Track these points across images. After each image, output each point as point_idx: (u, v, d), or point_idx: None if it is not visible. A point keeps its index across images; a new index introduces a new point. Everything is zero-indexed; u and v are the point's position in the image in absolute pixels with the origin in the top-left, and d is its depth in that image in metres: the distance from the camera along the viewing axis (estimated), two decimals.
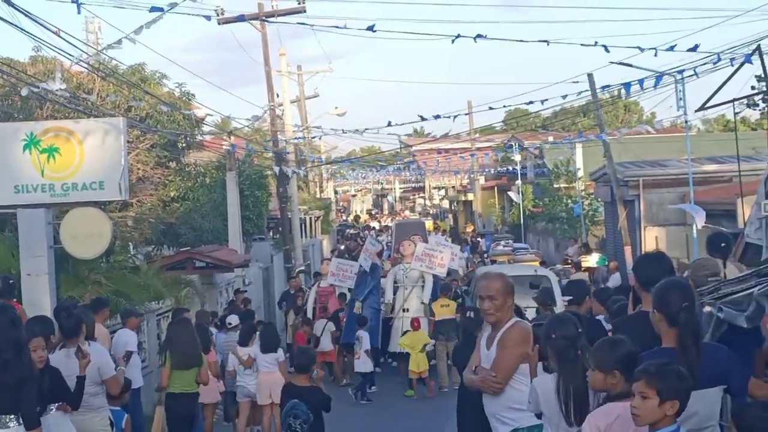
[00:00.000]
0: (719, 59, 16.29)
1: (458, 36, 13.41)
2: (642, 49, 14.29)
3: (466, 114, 25.45)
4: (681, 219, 24.53)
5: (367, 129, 21.25)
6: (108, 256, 14.31)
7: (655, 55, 14.46)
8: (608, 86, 21.92)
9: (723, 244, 9.27)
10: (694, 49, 14.86)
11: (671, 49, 15.07)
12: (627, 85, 18.50)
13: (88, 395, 7.82)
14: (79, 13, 10.87)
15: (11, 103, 19.06)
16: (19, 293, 11.03)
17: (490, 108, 19.92)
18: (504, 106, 20.46)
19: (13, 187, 11.40)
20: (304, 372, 9.42)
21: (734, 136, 20.03)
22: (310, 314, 20.14)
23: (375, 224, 66.83)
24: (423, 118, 19.91)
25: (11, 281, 9.50)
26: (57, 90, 11.82)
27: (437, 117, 20.14)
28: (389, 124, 20.80)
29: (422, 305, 18.41)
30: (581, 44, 14.33)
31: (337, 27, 13.27)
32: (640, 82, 18.12)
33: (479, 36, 13.44)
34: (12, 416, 6.39)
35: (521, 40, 14.35)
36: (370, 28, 13.14)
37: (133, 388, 11.66)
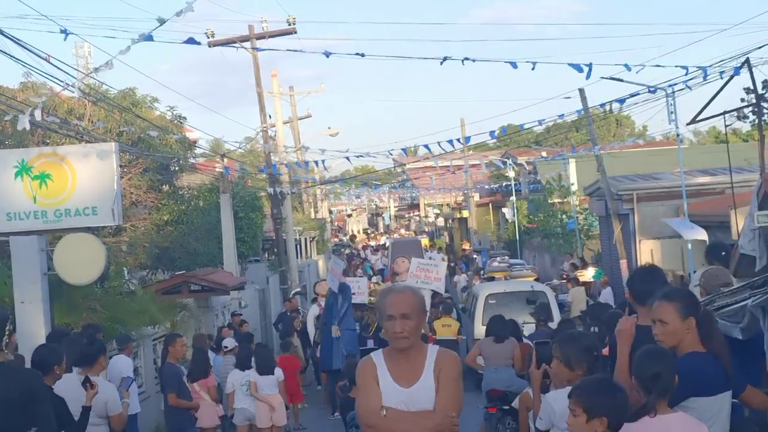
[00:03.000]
0: (706, 74, 16.39)
1: (445, 59, 13.50)
2: (628, 67, 14.35)
3: (465, 138, 25.56)
4: (675, 231, 24.55)
5: (368, 154, 21.25)
6: (102, 281, 14.28)
7: (642, 67, 14.57)
8: (603, 104, 22.08)
9: (723, 253, 9.28)
10: (684, 67, 14.98)
11: (659, 66, 15.21)
12: (620, 101, 18.66)
13: (92, 425, 7.83)
14: (65, 39, 10.87)
15: (2, 129, 19.06)
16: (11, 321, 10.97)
17: (491, 135, 19.88)
18: (501, 128, 20.57)
19: (5, 214, 11.36)
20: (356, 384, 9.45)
21: (726, 148, 20.08)
22: (312, 337, 20.03)
23: (372, 243, 66.84)
24: (427, 147, 20.15)
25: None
26: (46, 119, 11.75)
27: (439, 143, 20.30)
28: (393, 151, 20.92)
29: None
30: (568, 64, 14.40)
31: (324, 53, 13.26)
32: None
33: (466, 59, 13.55)
34: None
35: (509, 62, 14.38)
36: (360, 54, 13.23)
37: (130, 414, 11.65)
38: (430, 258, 32.95)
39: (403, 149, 21.63)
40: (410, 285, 6.40)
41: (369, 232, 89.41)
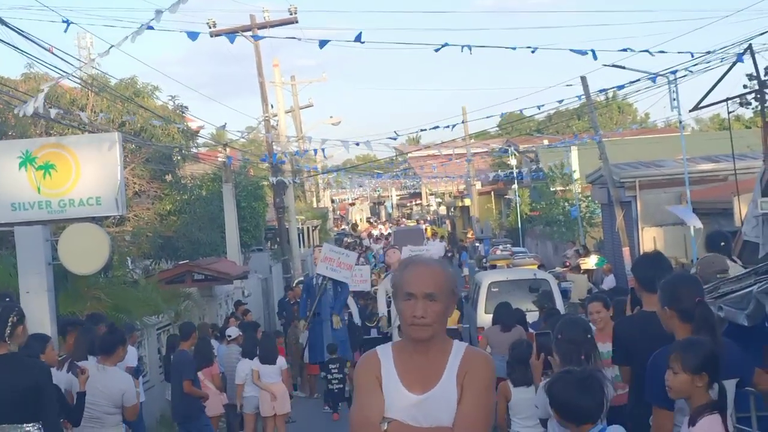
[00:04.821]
0: (711, 53, 16.40)
1: (443, 45, 13.49)
2: (626, 50, 14.33)
3: (461, 122, 25.56)
4: (678, 219, 24.56)
5: (369, 141, 21.22)
6: (106, 271, 14.30)
7: (652, 55, 14.54)
8: (605, 90, 22.09)
9: (722, 243, 9.29)
10: (689, 53, 14.98)
11: (662, 52, 15.19)
12: (619, 87, 18.69)
13: (106, 414, 7.90)
14: (66, 30, 10.84)
15: (5, 120, 19.06)
16: None
17: (488, 117, 19.74)
18: (501, 114, 20.53)
19: (9, 204, 11.36)
20: None
21: (728, 134, 20.07)
22: None
23: (375, 231, 66.91)
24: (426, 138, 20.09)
25: (8, 298, 9.47)
26: (49, 110, 11.73)
27: (437, 128, 20.30)
28: (395, 137, 20.89)
29: None
30: (570, 50, 14.40)
31: (320, 41, 13.19)
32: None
33: (465, 46, 13.54)
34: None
35: (509, 47, 14.37)
36: (358, 39, 13.18)
37: None
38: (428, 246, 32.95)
39: (396, 137, 21.44)
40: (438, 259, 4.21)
41: (372, 220, 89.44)
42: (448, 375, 3.80)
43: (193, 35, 12.57)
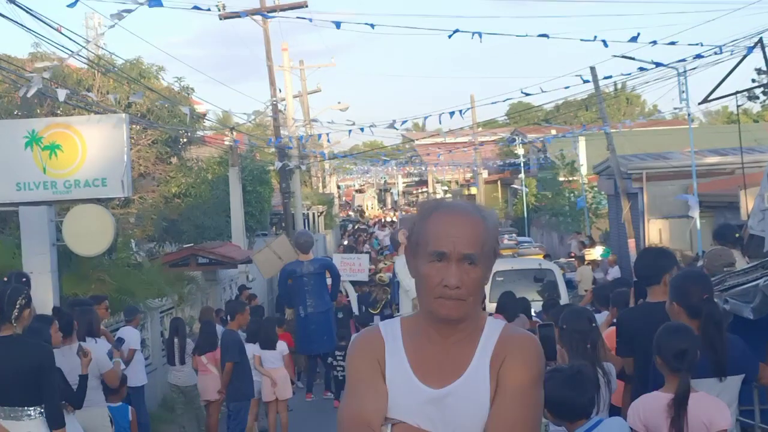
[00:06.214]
0: (721, 51, 16.33)
1: (455, 31, 13.45)
2: (635, 39, 14.28)
3: (469, 109, 25.47)
4: (684, 211, 24.54)
5: (373, 125, 21.19)
6: (110, 253, 14.29)
7: (654, 44, 14.49)
8: (610, 76, 21.97)
9: (737, 235, 9.28)
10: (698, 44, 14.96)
11: (673, 43, 15.13)
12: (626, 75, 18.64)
13: (89, 389, 7.88)
14: (71, 6, 10.75)
15: (11, 100, 19.02)
16: None
17: (494, 103, 19.72)
18: (506, 99, 20.44)
19: (14, 184, 11.36)
20: None
21: (736, 128, 20.02)
22: None
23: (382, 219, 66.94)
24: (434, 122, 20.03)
25: (24, 278, 9.43)
26: (55, 89, 11.70)
27: (442, 114, 20.23)
28: (402, 124, 20.83)
29: (412, 301, 18.01)
30: (581, 39, 14.37)
31: (334, 22, 13.17)
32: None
33: (477, 33, 13.51)
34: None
35: (521, 35, 14.36)
36: (370, 25, 13.16)
37: (136, 386, 11.69)
38: None
39: (404, 122, 21.33)
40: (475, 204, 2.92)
41: (382, 208, 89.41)
42: (478, 363, 2.68)
43: (201, 10, 12.56)
